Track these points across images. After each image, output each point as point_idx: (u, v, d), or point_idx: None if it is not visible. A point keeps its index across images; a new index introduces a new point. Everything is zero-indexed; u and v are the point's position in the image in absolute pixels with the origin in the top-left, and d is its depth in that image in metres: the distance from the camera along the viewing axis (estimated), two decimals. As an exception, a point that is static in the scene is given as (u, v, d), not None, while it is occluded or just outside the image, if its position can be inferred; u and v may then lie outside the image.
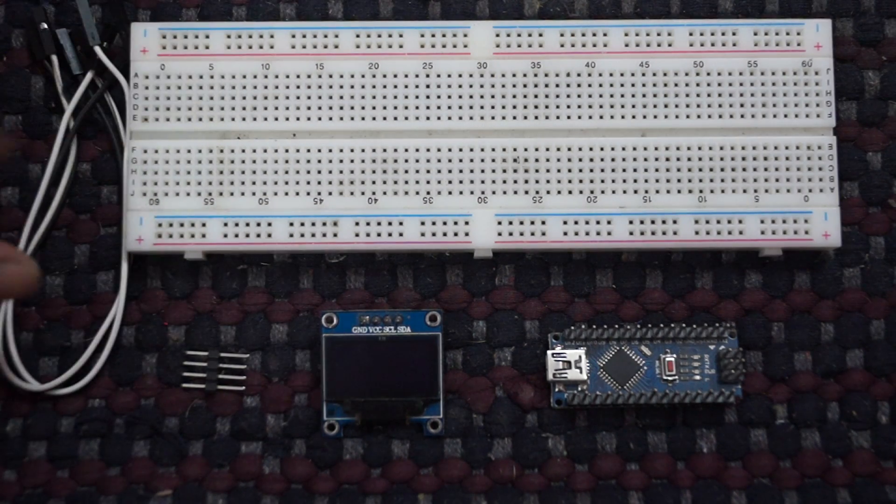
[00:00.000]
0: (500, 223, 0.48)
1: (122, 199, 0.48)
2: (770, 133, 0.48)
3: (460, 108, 0.48)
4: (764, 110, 0.48)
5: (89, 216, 0.49)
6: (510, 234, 0.48)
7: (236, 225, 0.48)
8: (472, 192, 0.48)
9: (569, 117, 0.48)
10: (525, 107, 0.48)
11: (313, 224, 0.48)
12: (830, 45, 0.49)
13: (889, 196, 0.50)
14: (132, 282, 0.49)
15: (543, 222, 0.48)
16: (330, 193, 0.48)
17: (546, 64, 0.48)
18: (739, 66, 0.48)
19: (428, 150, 0.48)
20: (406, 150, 0.48)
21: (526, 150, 0.48)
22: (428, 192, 0.48)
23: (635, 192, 0.48)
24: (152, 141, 0.48)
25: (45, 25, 0.49)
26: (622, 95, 0.48)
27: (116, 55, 0.49)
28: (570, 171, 0.48)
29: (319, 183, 0.48)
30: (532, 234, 0.48)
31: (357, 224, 0.48)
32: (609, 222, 0.48)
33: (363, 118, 0.48)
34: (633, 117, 0.48)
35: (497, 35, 0.48)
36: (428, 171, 0.48)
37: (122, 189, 0.48)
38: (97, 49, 0.49)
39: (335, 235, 0.48)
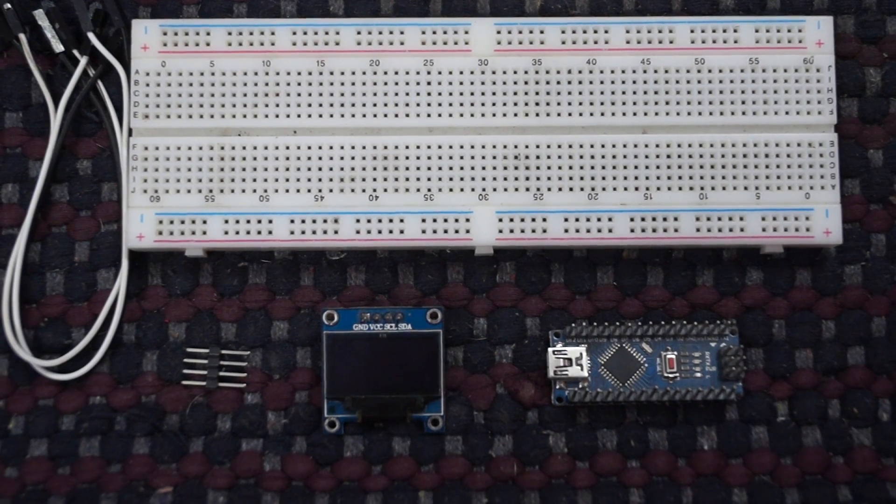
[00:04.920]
0: (500, 220, 0.48)
1: (121, 195, 0.48)
2: (771, 130, 0.48)
3: (461, 104, 0.48)
4: (765, 107, 0.48)
5: (90, 213, 0.49)
6: (511, 231, 0.47)
7: (237, 222, 0.48)
8: (472, 189, 0.48)
9: (570, 114, 0.48)
10: (526, 104, 0.48)
11: (314, 221, 0.48)
12: (832, 42, 0.49)
13: (890, 193, 0.50)
14: (133, 279, 0.49)
15: (544, 219, 0.48)
16: (331, 190, 0.48)
17: (547, 61, 0.48)
18: (741, 63, 0.48)
19: (429, 147, 0.48)
20: (407, 147, 0.48)
21: (527, 146, 0.48)
22: (429, 189, 0.48)
23: (636, 189, 0.48)
24: (153, 138, 0.48)
25: (9, 5, 0.49)
26: (623, 92, 0.48)
27: (110, 41, 0.49)
28: (570, 168, 0.48)
29: (320, 180, 0.48)
30: (533, 231, 0.47)
31: (358, 221, 0.48)
32: (610, 219, 0.48)
33: (364, 115, 0.48)
34: (635, 114, 0.48)
35: (498, 32, 0.48)
36: (429, 168, 0.48)
37: (122, 184, 0.48)
38: (90, 35, 0.49)
39: (336, 232, 0.47)
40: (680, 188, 0.48)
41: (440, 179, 0.48)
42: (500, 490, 0.48)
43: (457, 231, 0.47)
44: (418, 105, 0.48)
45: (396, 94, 0.48)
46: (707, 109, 0.48)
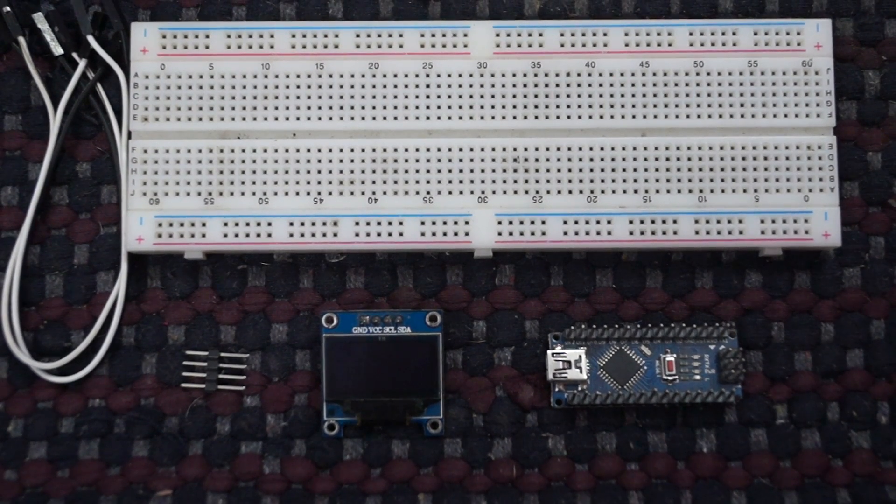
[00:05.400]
0: (500, 223, 0.48)
1: (121, 198, 0.48)
2: (770, 133, 0.48)
3: (460, 107, 0.48)
4: (764, 110, 0.48)
5: (89, 216, 0.49)
6: (510, 233, 0.48)
7: (236, 225, 0.48)
8: (472, 192, 0.48)
9: (569, 117, 0.48)
10: (525, 106, 0.48)
11: (313, 224, 0.48)
12: (830, 44, 0.49)
13: (889, 196, 0.50)
14: (132, 282, 0.49)
15: (543, 222, 0.48)
16: (330, 193, 0.48)
17: (546, 64, 0.48)
18: (739, 65, 0.48)
19: (428, 149, 0.48)
20: (406, 150, 0.48)
21: (526, 149, 0.48)
22: (428, 192, 0.48)
23: (635, 191, 0.48)
24: (152, 141, 0.48)
25: (9, 8, 0.49)
26: (622, 95, 0.48)
27: (110, 44, 0.49)
28: (570, 170, 0.48)
29: (319, 183, 0.48)
30: (532, 233, 0.48)
31: (357, 224, 0.48)
32: (609, 222, 0.48)
33: (363, 118, 0.48)
34: (634, 117, 0.48)
35: (497, 35, 0.48)
36: (428, 171, 0.48)
37: (121, 187, 0.48)
38: (90, 38, 0.49)
39: (335, 235, 0.48)
40: (679, 191, 0.48)
41: (439, 182, 0.48)
42: (500, 493, 0.48)
43: (456, 234, 0.48)
44: (417, 108, 0.48)
45: (395, 97, 0.48)
46: (706, 112, 0.48)
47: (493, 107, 0.48)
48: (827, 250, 0.49)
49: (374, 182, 0.48)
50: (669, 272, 0.49)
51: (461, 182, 0.48)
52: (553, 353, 0.48)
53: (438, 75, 0.48)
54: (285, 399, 0.48)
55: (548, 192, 0.48)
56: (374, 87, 0.48)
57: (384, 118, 0.48)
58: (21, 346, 0.48)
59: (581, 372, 0.47)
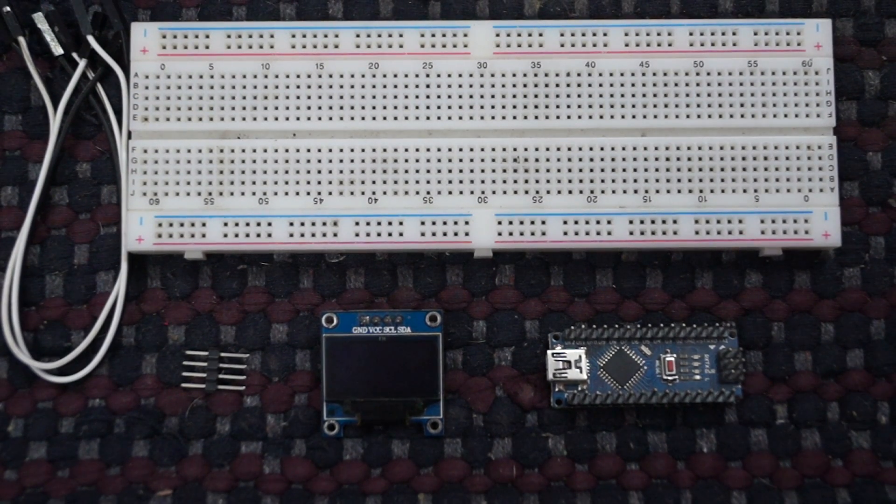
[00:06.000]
0: (500, 223, 0.48)
1: (121, 198, 0.48)
2: (770, 133, 0.48)
3: (460, 107, 0.48)
4: (764, 110, 0.48)
5: (89, 216, 0.49)
6: (510, 233, 0.48)
7: (236, 225, 0.48)
8: (472, 192, 0.48)
9: (569, 117, 0.48)
10: (525, 106, 0.48)
11: (313, 224, 0.48)
12: (830, 44, 0.49)
13: (889, 196, 0.50)
14: (132, 282, 0.49)
15: (543, 222, 0.48)
16: (330, 193, 0.48)
17: (546, 64, 0.48)
18: (739, 65, 0.48)
19: (428, 149, 0.48)
20: (406, 150, 0.48)
21: (526, 149, 0.48)
22: (428, 192, 0.48)
23: (635, 191, 0.48)
24: (152, 141, 0.48)
25: (9, 8, 0.49)
26: (622, 95, 0.48)
27: (110, 44, 0.49)
28: (570, 170, 0.48)
29: (319, 183, 0.48)
30: (532, 233, 0.48)
31: (357, 224, 0.48)
32: (609, 222, 0.48)
33: (363, 118, 0.48)
34: (633, 117, 0.48)
35: (497, 35, 0.48)
36: (428, 171, 0.48)
37: (121, 187, 0.48)
38: (90, 38, 0.49)
39: (335, 235, 0.48)
40: (679, 191, 0.48)
41: (439, 182, 0.48)
42: (500, 493, 0.48)
43: (456, 234, 0.48)
44: (417, 108, 0.48)
45: (395, 97, 0.48)
46: (706, 112, 0.48)
47: (493, 107, 0.48)
48: (827, 250, 0.49)
49: (374, 182, 0.48)
50: (669, 272, 0.49)
51: (461, 182, 0.48)
52: (553, 353, 0.48)
53: (438, 75, 0.48)
54: (285, 399, 0.48)
55: (548, 192, 0.48)
56: (374, 87, 0.48)
57: (384, 118, 0.48)
58: (21, 346, 0.48)
59: (581, 372, 0.47)
